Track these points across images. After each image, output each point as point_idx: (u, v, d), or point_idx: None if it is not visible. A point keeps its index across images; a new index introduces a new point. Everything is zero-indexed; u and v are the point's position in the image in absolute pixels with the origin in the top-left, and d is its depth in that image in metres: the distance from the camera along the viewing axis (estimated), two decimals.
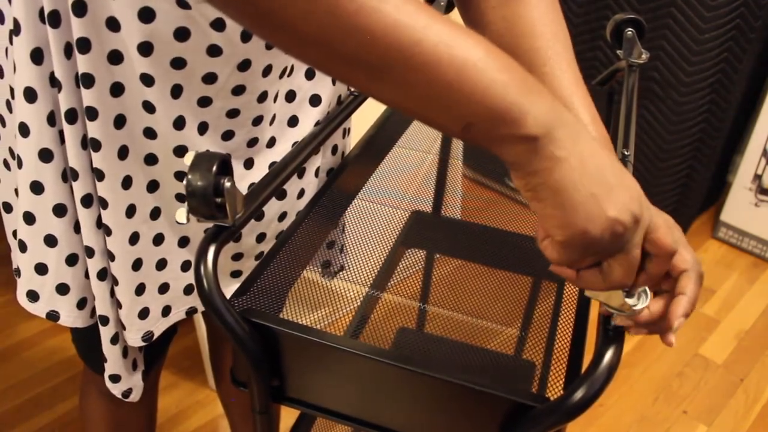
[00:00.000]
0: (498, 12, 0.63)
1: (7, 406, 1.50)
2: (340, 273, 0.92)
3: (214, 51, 0.62)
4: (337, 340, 0.54)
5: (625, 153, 0.77)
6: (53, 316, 0.73)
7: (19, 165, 0.65)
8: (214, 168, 0.51)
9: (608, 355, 0.49)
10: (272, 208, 0.78)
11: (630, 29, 0.82)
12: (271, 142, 0.75)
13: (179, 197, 0.72)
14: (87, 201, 0.66)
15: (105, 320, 0.73)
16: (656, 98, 1.91)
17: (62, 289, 0.71)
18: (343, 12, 0.40)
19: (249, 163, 0.74)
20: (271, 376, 0.58)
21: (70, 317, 0.73)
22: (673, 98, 1.88)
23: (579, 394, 0.48)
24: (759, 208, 2.05)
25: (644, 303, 0.51)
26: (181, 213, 0.53)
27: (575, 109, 0.61)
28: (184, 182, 0.51)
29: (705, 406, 1.63)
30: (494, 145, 0.45)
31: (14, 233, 0.72)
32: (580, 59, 0.62)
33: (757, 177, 2.02)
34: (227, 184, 0.52)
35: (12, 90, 0.63)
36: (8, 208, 0.72)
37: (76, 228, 0.69)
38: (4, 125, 0.68)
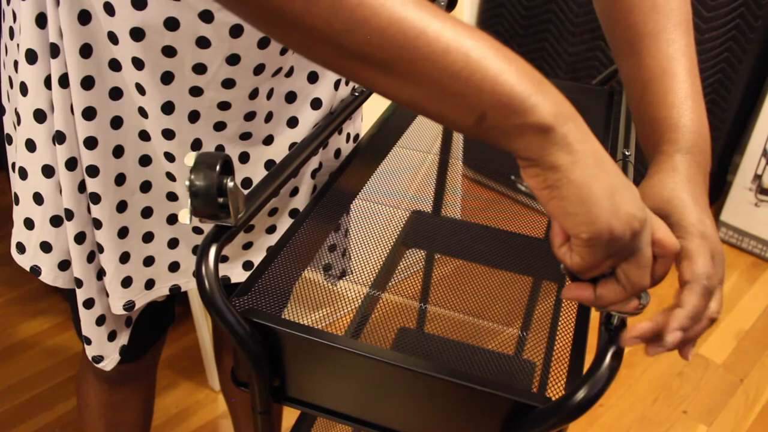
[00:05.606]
0: None
1: (7, 406, 1.50)
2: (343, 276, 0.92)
3: (202, 42, 0.64)
4: (338, 340, 0.54)
5: (626, 153, 0.77)
6: (35, 270, 0.76)
7: (18, 122, 0.69)
8: (218, 167, 0.51)
9: (610, 355, 0.49)
10: None
11: None
12: (269, 140, 0.76)
13: (169, 176, 0.74)
14: (71, 164, 0.69)
15: (79, 283, 0.75)
16: None
17: (45, 246, 0.74)
18: (345, 5, 0.41)
19: (244, 157, 0.75)
20: (272, 376, 0.58)
21: (51, 275, 0.76)
22: None
23: (581, 394, 0.48)
24: (759, 208, 2.06)
25: (647, 300, 0.51)
26: (184, 214, 0.53)
27: (665, 87, 0.59)
28: (187, 183, 0.51)
29: (705, 406, 1.63)
30: (509, 137, 0.44)
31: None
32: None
33: (757, 177, 2.02)
34: (230, 184, 0.52)
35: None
36: (15, 167, 0.74)
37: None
38: (12, 86, 0.71)
